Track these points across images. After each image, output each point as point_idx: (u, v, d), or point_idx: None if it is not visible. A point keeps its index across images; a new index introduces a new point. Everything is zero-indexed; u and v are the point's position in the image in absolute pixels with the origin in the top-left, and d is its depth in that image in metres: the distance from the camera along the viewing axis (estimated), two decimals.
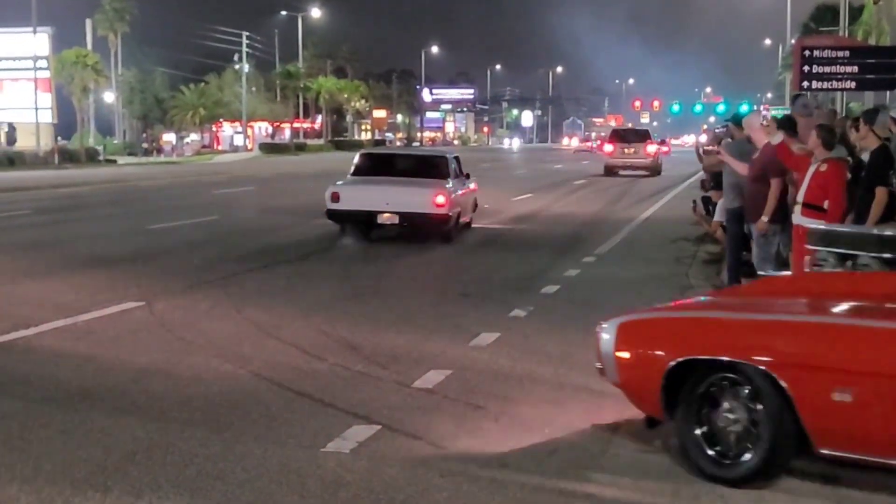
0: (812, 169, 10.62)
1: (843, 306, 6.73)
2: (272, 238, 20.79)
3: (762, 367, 6.15)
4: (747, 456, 6.31)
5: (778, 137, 11.30)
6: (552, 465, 6.74)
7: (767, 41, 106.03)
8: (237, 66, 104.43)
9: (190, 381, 8.81)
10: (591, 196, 35.28)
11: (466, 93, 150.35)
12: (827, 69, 22.89)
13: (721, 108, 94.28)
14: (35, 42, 68.70)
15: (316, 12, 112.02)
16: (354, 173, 21.41)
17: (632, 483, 6.41)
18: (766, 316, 6.72)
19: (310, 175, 44.43)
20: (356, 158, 22.08)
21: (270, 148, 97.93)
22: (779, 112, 52.95)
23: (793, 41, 68.81)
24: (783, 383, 6.08)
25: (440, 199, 19.67)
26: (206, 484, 6.26)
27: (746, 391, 6.32)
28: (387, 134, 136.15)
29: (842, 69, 22.88)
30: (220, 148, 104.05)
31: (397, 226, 20.03)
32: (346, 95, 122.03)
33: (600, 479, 6.46)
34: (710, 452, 6.45)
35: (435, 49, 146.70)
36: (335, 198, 20.11)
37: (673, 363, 6.54)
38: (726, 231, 13.72)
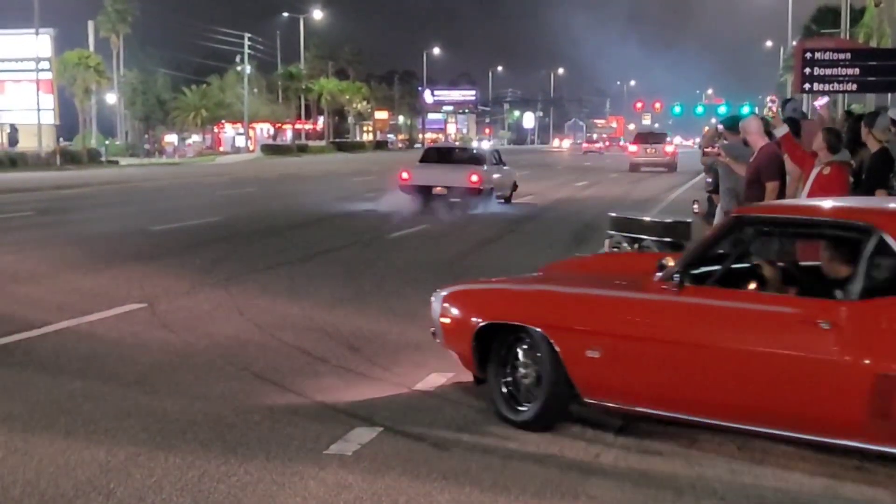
0: (815, 171, 10.64)
1: (603, 280, 8.00)
2: (274, 239, 20.85)
3: (539, 330, 7.45)
4: (532, 404, 7.52)
5: (783, 129, 11.32)
6: (553, 463, 6.77)
7: (769, 43, 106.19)
8: (239, 68, 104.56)
9: (192, 383, 8.84)
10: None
11: (468, 94, 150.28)
12: (828, 71, 22.88)
13: (723, 109, 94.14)
14: (37, 43, 68.84)
15: (318, 14, 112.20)
16: (420, 160, 31.24)
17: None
18: (546, 287, 8.30)
19: (312, 177, 44.52)
20: (423, 152, 33.41)
21: (272, 149, 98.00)
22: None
23: (794, 43, 68.83)
24: (554, 343, 7.35)
25: (474, 178, 28.64)
26: (208, 486, 6.28)
27: (532, 350, 7.57)
28: (388, 135, 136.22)
29: (843, 71, 22.88)
30: (221, 149, 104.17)
31: (447, 196, 28.43)
32: (347, 97, 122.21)
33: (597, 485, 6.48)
34: (510, 401, 7.69)
35: (437, 50, 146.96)
36: (406, 177, 29.44)
37: (479, 327, 7.85)
38: None
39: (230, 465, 6.67)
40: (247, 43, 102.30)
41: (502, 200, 30.80)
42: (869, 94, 34.96)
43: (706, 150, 15.76)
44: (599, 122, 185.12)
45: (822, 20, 61.58)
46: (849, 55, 23.32)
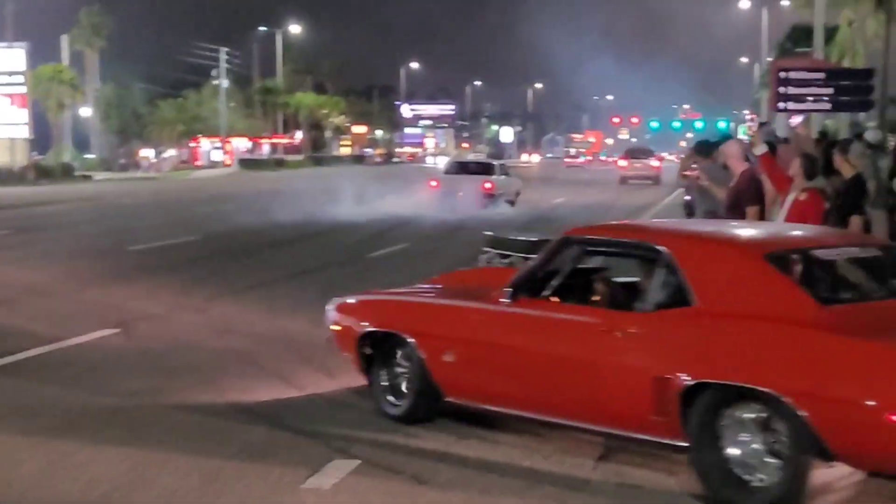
0: (791, 197, 10.73)
1: (464, 292, 8.90)
2: (253, 259, 20.80)
3: (406, 336, 8.47)
4: (405, 401, 8.53)
5: (762, 148, 11.35)
6: (535, 494, 6.79)
7: (744, 59, 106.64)
8: (216, 82, 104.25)
9: (170, 411, 8.82)
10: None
11: (446, 108, 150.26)
12: (803, 90, 23.11)
13: (699, 124, 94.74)
14: (10, 57, 68.41)
15: (295, 28, 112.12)
16: (445, 172, 41.03)
17: None
18: (416, 299, 9.22)
19: (290, 192, 44.33)
20: (447, 164, 45.26)
21: (249, 164, 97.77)
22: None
23: (769, 60, 69.23)
24: (419, 348, 8.34)
25: (487, 185, 36.61)
26: None
27: (405, 354, 8.56)
28: (366, 150, 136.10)
29: (817, 91, 23.11)
30: (198, 163, 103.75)
31: (465, 199, 34.29)
32: (325, 111, 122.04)
33: None
34: (389, 398, 8.68)
35: (415, 65, 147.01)
36: (434, 184, 37.95)
37: (361, 334, 8.84)
38: None
39: (208, 497, 6.66)
40: (224, 57, 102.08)
41: (509, 203, 37.49)
42: (843, 113, 35.16)
43: (685, 173, 15.78)
44: (577, 136, 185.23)
45: (796, 38, 61.78)
46: (823, 75, 23.56)
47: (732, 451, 6.56)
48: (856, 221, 10.35)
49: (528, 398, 7.79)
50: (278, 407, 8.97)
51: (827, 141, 13.80)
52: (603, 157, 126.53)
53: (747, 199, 11.49)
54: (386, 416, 8.54)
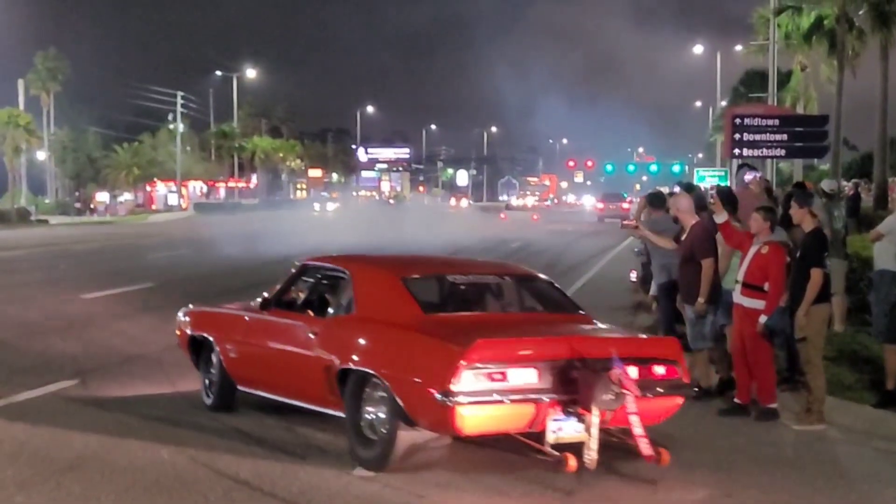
0: (753, 250, 10.78)
1: (250, 305, 11.26)
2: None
3: (210, 339, 11.23)
4: (215, 392, 11.05)
5: (723, 216, 11.33)
6: None
7: (698, 103, 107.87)
8: (172, 126, 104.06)
9: (126, 468, 8.68)
10: None
11: (402, 152, 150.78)
12: (757, 137, 23.33)
13: (654, 167, 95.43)
14: None
15: (251, 72, 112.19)
16: None
17: None
18: (220, 310, 11.86)
19: (246, 236, 44.11)
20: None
21: (205, 207, 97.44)
22: (714, 175, 53.70)
23: (723, 104, 70.06)
24: (216, 347, 11.06)
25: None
26: None
27: (212, 354, 11.15)
28: (322, 193, 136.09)
29: (772, 137, 23.33)
30: (154, 207, 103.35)
31: None
32: (281, 155, 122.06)
33: None
34: (208, 392, 11.22)
35: (370, 109, 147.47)
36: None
37: (188, 336, 11.64)
38: (659, 306, 13.87)
39: None
40: (179, 101, 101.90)
41: None
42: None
43: (625, 222, 15.86)
44: (532, 179, 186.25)
45: (750, 83, 62.67)
46: (777, 121, 23.80)
47: (366, 417, 8.87)
48: (817, 274, 10.38)
49: (277, 385, 10.35)
50: (237, 459, 8.85)
51: (786, 193, 13.88)
52: (570, 201, 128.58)
53: (702, 252, 11.56)
54: (207, 408, 11.00)
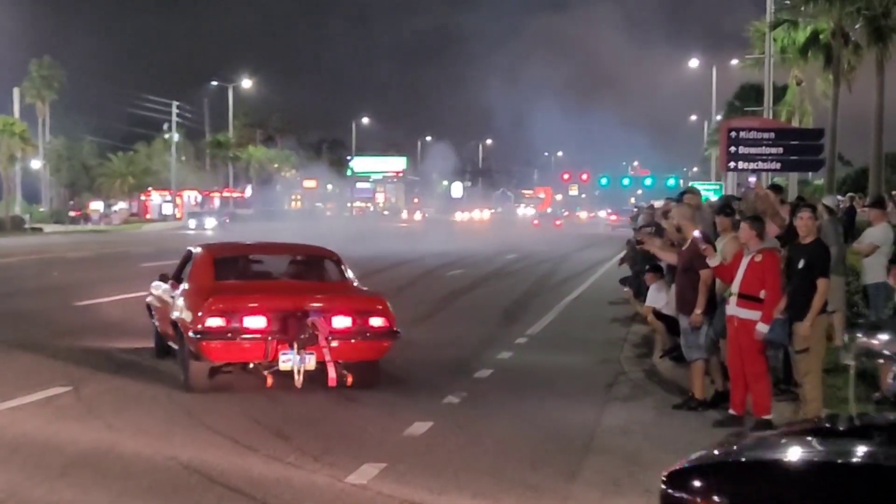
0: (746, 259, 10.71)
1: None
2: None
3: (148, 305, 15.47)
4: None
5: (717, 260, 11.18)
6: None
7: (693, 117, 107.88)
8: (167, 135, 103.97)
9: (119, 474, 8.65)
10: None
11: (397, 163, 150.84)
12: (753, 150, 23.29)
13: (648, 181, 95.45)
14: None
15: (246, 83, 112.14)
16: None
17: None
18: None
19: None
20: None
21: (199, 217, 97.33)
22: (710, 189, 53.79)
23: (718, 118, 70.10)
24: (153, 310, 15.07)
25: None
26: None
27: None
28: (317, 204, 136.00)
29: (767, 150, 23.31)
30: (148, 216, 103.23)
31: None
32: (276, 165, 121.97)
33: None
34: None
35: (365, 120, 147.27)
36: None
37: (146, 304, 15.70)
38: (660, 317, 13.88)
39: None
40: (175, 111, 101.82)
41: None
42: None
43: (637, 237, 15.98)
44: (527, 192, 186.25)
45: (746, 97, 62.82)
46: (773, 135, 23.78)
47: (181, 353, 12.94)
48: (824, 284, 10.36)
49: (165, 332, 14.08)
50: (231, 468, 8.81)
51: (791, 205, 13.85)
52: (584, 215, 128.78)
53: (700, 262, 11.53)
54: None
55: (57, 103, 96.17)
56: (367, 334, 12.37)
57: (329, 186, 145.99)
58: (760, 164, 23.79)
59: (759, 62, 44.55)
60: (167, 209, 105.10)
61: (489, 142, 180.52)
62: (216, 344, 12.00)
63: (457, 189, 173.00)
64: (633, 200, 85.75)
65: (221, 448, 9.59)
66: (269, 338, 11.93)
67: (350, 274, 13.92)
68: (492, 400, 12.31)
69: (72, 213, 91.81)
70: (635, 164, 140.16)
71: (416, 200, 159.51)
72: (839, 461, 5.25)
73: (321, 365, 11.89)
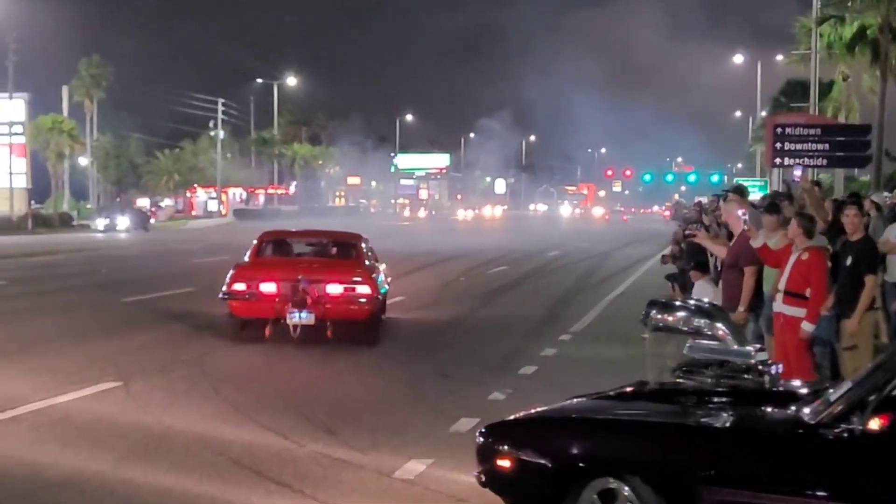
0: (793, 258, 10.67)
1: None
2: None
3: None
4: None
5: (760, 241, 11.22)
6: None
7: (738, 113, 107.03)
8: (212, 133, 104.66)
9: (168, 469, 8.77)
10: None
11: (440, 160, 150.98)
12: (799, 146, 23.16)
13: (692, 177, 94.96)
14: (11, 108, 68.96)
15: (291, 80, 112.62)
16: None
17: None
18: None
19: None
20: None
21: (244, 214, 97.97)
22: (754, 185, 53.43)
23: (763, 114, 69.56)
24: None
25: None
26: None
27: None
28: (361, 200, 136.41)
29: (813, 147, 23.15)
30: (193, 213, 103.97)
31: None
32: (320, 162, 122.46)
33: None
34: None
35: (409, 117, 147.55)
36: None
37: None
38: None
39: None
40: (220, 108, 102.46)
41: None
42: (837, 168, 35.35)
43: (687, 233, 15.97)
44: (570, 188, 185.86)
45: (791, 93, 62.11)
46: (819, 130, 23.62)
47: None
48: (871, 280, 10.32)
49: None
50: (279, 464, 8.91)
51: (835, 205, 13.74)
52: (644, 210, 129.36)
53: (746, 260, 11.51)
54: None
55: (105, 101, 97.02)
56: (356, 300, 16.06)
57: (373, 183, 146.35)
58: (806, 161, 23.63)
59: (804, 58, 44.14)
60: (212, 206, 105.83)
61: (532, 138, 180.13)
62: (238, 303, 16.28)
63: (500, 185, 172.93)
64: (676, 197, 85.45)
65: (270, 443, 9.69)
66: (278, 300, 15.94)
67: (367, 253, 17.83)
68: (537, 396, 12.28)
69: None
70: (679, 160, 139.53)
71: (459, 197, 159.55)
72: (609, 417, 6.83)
73: (321, 322, 15.80)
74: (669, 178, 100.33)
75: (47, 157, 77.59)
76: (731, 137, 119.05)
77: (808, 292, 10.43)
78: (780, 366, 8.33)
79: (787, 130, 23.31)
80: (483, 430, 6.89)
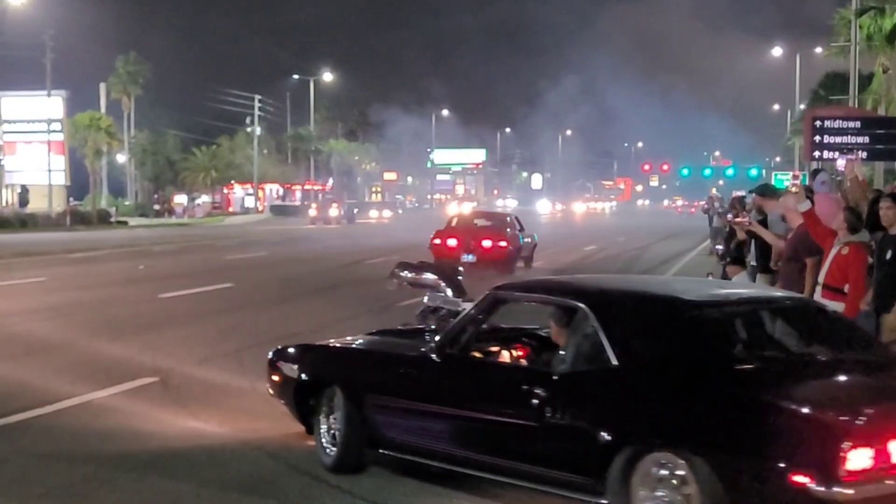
0: (834, 251, 10.53)
1: None
2: (286, 308, 20.77)
3: None
4: None
5: (806, 205, 11.16)
6: None
7: (776, 106, 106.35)
8: (249, 129, 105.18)
9: (206, 463, 8.80)
10: None
11: (476, 155, 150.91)
12: (838, 139, 23.05)
13: (730, 171, 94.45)
14: (49, 105, 69.48)
15: (327, 76, 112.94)
16: None
17: None
18: None
19: (322, 238, 44.42)
20: None
21: (281, 210, 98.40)
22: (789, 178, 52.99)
23: (801, 107, 69.03)
24: None
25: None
26: None
27: None
28: (397, 196, 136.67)
29: (853, 139, 23.01)
30: (231, 209, 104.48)
31: None
32: (356, 158, 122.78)
33: None
34: None
35: (445, 112, 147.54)
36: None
37: None
38: None
39: None
40: (257, 104, 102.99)
41: None
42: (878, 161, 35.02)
43: (736, 221, 15.86)
44: (607, 183, 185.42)
45: (830, 85, 61.59)
46: (858, 123, 23.50)
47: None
48: None
49: None
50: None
51: (872, 198, 13.51)
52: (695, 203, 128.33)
53: (805, 251, 11.39)
54: None
55: (142, 98, 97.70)
56: (498, 251, 29.57)
57: (409, 178, 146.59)
58: (846, 154, 23.45)
59: (844, 50, 43.80)
60: (249, 202, 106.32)
61: (568, 132, 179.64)
62: (436, 248, 29.35)
63: (536, 180, 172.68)
64: (714, 191, 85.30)
65: (307, 439, 9.68)
66: (458, 248, 29.14)
67: (514, 225, 31.75)
68: None
69: (156, 207, 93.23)
70: (717, 154, 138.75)
71: (495, 192, 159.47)
72: (338, 346, 9.46)
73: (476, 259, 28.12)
74: (707, 172, 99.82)
75: (85, 154, 78.19)
76: (769, 131, 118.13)
77: (846, 288, 10.32)
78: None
79: (826, 123, 23.21)
80: (272, 352, 9.72)
